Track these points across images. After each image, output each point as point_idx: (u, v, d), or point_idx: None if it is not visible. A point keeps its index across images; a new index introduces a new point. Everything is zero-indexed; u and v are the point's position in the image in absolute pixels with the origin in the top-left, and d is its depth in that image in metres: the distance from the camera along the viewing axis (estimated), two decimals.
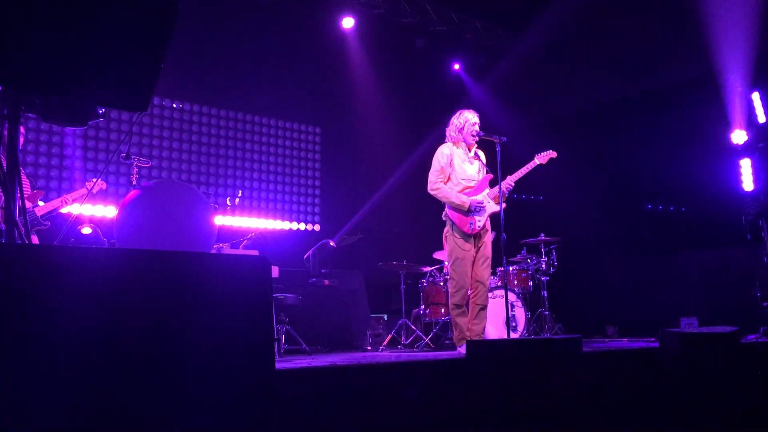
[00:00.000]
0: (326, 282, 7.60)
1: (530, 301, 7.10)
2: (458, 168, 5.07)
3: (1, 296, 1.76)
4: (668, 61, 7.93)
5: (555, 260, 7.18)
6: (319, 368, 3.01)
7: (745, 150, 6.59)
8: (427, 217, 8.27)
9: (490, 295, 6.62)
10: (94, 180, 5.44)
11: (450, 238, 5.02)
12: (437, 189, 5.05)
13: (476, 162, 5.18)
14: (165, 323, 1.90)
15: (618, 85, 8.65)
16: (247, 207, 8.58)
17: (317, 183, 9.57)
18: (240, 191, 6.16)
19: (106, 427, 1.81)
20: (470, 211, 4.95)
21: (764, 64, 7.56)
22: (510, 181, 5.13)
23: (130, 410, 1.84)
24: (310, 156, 9.56)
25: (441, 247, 7.01)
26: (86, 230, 5.66)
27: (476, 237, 4.98)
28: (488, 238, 5.06)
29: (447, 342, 6.78)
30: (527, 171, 5.28)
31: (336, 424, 2.76)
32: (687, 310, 6.87)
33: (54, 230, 5.28)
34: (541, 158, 5.37)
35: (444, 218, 5.13)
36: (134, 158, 4.83)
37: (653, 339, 5.67)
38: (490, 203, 5.05)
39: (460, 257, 4.90)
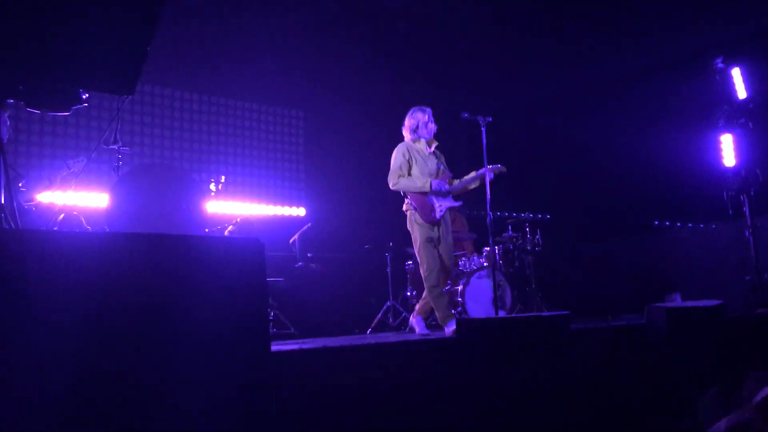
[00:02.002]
0: (313, 266, 7.61)
1: (517, 281, 7.15)
2: (420, 163, 5.20)
3: None
4: (648, 39, 7.96)
5: (540, 239, 7.23)
6: (312, 350, 3.02)
7: (726, 126, 6.65)
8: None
9: (476, 275, 6.69)
10: (76, 161, 5.35)
11: (414, 225, 5.14)
12: (397, 183, 5.19)
13: (434, 158, 5.31)
14: (160, 306, 1.89)
15: (598, 65, 8.68)
16: (231, 192, 8.53)
17: (301, 167, 9.54)
18: (223, 176, 6.11)
19: (103, 409, 1.81)
20: (432, 192, 5.09)
21: (744, 39, 7.63)
22: (459, 184, 5.31)
23: (126, 392, 1.84)
24: (293, 140, 9.52)
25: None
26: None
27: (438, 224, 5.11)
28: (449, 224, 5.20)
29: (434, 324, 6.82)
30: (473, 180, 5.39)
31: (329, 405, 2.78)
32: (672, 287, 6.95)
33: (36, 219, 5.21)
34: (495, 169, 5.37)
35: (405, 209, 5.25)
36: (119, 144, 4.77)
37: (639, 316, 5.74)
38: (448, 198, 5.18)
39: (426, 241, 5.04)
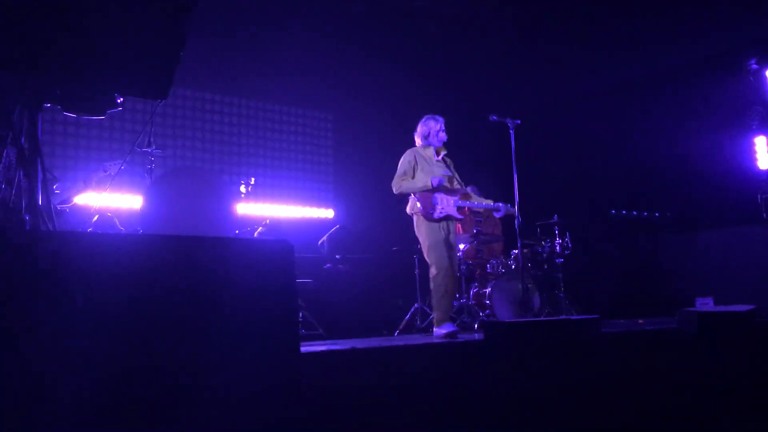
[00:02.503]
0: (341, 267, 7.64)
1: (545, 284, 7.10)
2: (426, 170, 5.33)
3: (29, 283, 1.79)
4: (679, 38, 7.86)
5: (569, 242, 7.16)
6: (340, 351, 3.05)
7: (760, 127, 6.54)
8: None
9: (504, 277, 6.68)
10: (112, 163, 5.47)
11: (421, 226, 5.26)
12: (399, 186, 5.33)
13: (443, 165, 5.42)
14: (191, 307, 1.92)
15: (627, 65, 8.58)
16: (261, 194, 8.60)
17: (330, 169, 9.59)
18: (253, 178, 6.18)
19: (137, 408, 1.84)
20: (435, 189, 5.20)
21: None
22: (472, 201, 5.46)
23: (159, 391, 1.88)
24: (322, 142, 9.58)
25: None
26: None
27: (443, 225, 5.22)
28: (453, 229, 5.31)
29: (466, 320, 6.83)
30: (484, 206, 5.57)
31: (357, 406, 2.80)
32: (703, 289, 6.85)
33: (71, 221, 5.33)
34: (509, 210, 5.54)
35: (409, 211, 5.38)
36: (153, 148, 4.86)
37: (670, 319, 5.67)
38: (452, 207, 5.26)
39: (434, 241, 5.14)
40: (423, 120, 5.51)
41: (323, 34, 7.65)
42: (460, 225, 7.54)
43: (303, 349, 2.69)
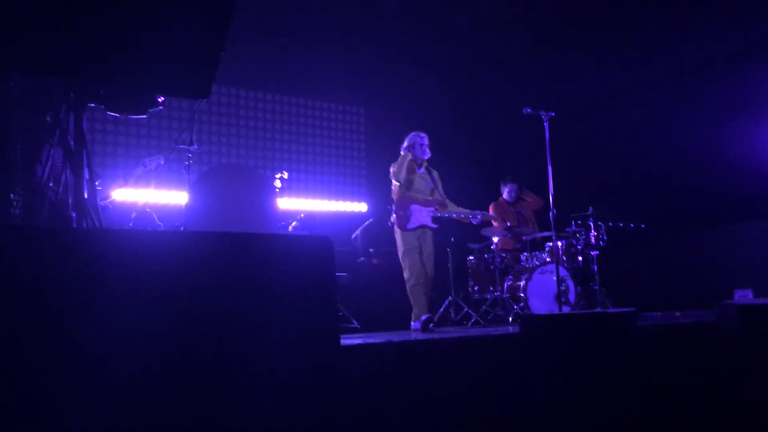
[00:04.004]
0: (374, 261, 7.69)
1: (580, 277, 7.05)
2: (415, 179, 5.94)
3: (74, 280, 1.85)
4: (721, 27, 7.70)
5: (605, 234, 7.09)
6: (375, 344, 3.08)
7: None
8: (474, 194, 8.27)
9: (538, 270, 6.65)
10: (151, 159, 5.60)
11: (396, 234, 5.84)
12: (393, 173, 5.93)
13: (426, 177, 6.03)
14: (235, 303, 1.97)
15: (668, 56, 8.44)
16: (294, 188, 8.69)
17: (363, 163, 9.63)
18: (286, 173, 6.25)
19: (180, 403, 1.90)
20: (412, 201, 5.81)
21: None
22: (448, 211, 6.01)
23: (202, 387, 1.93)
24: (355, 136, 9.62)
25: (487, 225, 7.09)
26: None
27: (417, 234, 5.77)
28: (429, 236, 5.85)
29: (500, 314, 6.85)
30: (462, 214, 6.08)
31: (394, 399, 2.83)
32: (742, 282, 6.74)
33: (112, 216, 5.45)
34: (487, 216, 6.34)
35: (391, 222, 5.94)
36: (195, 146, 4.96)
37: (708, 312, 5.59)
38: (427, 217, 5.83)
39: (407, 249, 5.73)
40: (409, 136, 6.04)
41: (355, 30, 7.68)
42: (501, 217, 7.51)
43: (342, 341, 2.73)
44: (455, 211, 6.04)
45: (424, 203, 5.86)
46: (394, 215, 5.84)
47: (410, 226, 5.76)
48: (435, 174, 6.11)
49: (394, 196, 5.95)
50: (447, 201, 6.06)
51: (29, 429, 1.71)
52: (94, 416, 1.79)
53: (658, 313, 6.37)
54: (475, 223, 6.15)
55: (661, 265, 8.27)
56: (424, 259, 5.76)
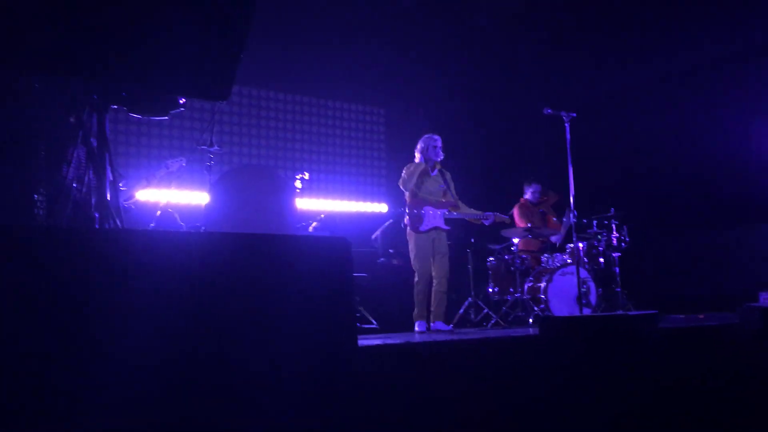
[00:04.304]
0: (395, 261, 7.68)
1: (602, 278, 6.99)
2: (425, 182, 5.97)
3: (96, 280, 1.87)
4: (742, 21, 7.59)
5: (626, 236, 7.02)
6: (394, 345, 3.08)
7: None
8: (495, 195, 8.24)
9: (559, 272, 6.61)
10: (173, 161, 5.67)
11: (410, 237, 5.91)
12: (402, 180, 5.99)
13: (439, 179, 6.05)
14: (253, 303, 1.99)
15: (687, 51, 8.33)
16: (315, 189, 8.72)
17: (383, 163, 9.64)
18: (306, 173, 6.28)
19: (198, 402, 1.92)
20: (424, 203, 5.87)
21: None
22: (460, 212, 6.08)
23: (220, 386, 1.95)
24: (375, 137, 9.63)
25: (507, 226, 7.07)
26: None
27: (430, 235, 5.83)
28: (442, 237, 5.90)
29: (520, 315, 6.82)
30: (473, 216, 6.14)
31: (413, 399, 2.83)
32: (766, 284, 6.63)
33: (135, 217, 5.52)
34: (498, 217, 6.25)
35: (404, 224, 6.05)
36: (215, 147, 5.01)
37: (731, 314, 5.52)
38: (440, 219, 5.88)
39: (419, 253, 5.80)
40: (422, 138, 6.08)
41: (375, 30, 7.68)
42: (525, 217, 7.48)
43: (358, 342, 2.73)
44: (467, 212, 6.09)
45: (437, 205, 5.91)
46: (407, 217, 5.91)
47: (423, 228, 5.82)
48: (448, 176, 6.15)
49: (407, 199, 6.02)
50: (459, 203, 6.11)
51: (50, 425, 1.73)
52: (116, 413, 1.82)
53: (682, 316, 6.30)
54: (486, 224, 6.18)
55: (685, 267, 8.16)
56: (436, 260, 5.82)
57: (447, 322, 5.95)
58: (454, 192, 6.09)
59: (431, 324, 5.79)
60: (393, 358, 2.85)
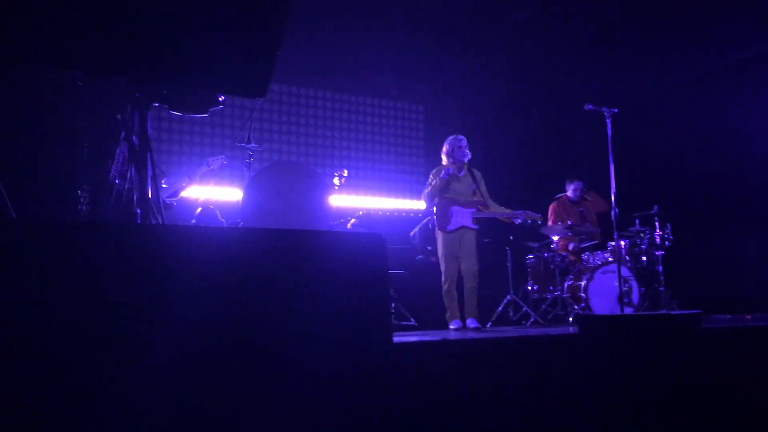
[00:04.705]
0: (433, 259, 7.66)
1: (644, 277, 6.86)
2: (451, 185, 5.96)
3: (137, 274, 1.91)
4: None
5: (670, 234, 6.87)
6: (431, 342, 3.08)
7: None
8: (534, 193, 8.15)
9: (600, 270, 6.51)
10: (214, 159, 5.76)
11: (438, 238, 5.93)
12: (425, 192, 6.02)
13: (467, 179, 6.05)
14: (288, 299, 2.01)
15: (734, 48, 8.11)
16: (353, 186, 8.75)
17: (421, 161, 9.63)
18: (345, 171, 6.33)
19: (234, 394, 1.94)
20: (452, 202, 5.88)
21: None
22: (490, 211, 6.01)
23: (257, 380, 1.97)
24: (413, 134, 9.63)
25: (546, 223, 7.00)
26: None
27: (458, 236, 5.84)
28: (470, 236, 5.87)
29: (559, 314, 6.75)
30: (503, 215, 6.05)
31: (451, 397, 2.82)
32: None
33: (176, 213, 5.62)
34: (529, 216, 6.08)
35: (431, 226, 6.11)
36: (252, 144, 5.07)
37: None
38: (466, 218, 5.87)
39: (446, 253, 5.83)
40: (447, 140, 6.10)
41: (413, 27, 7.66)
42: (564, 215, 7.39)
43: (395, 339, 2.74)
44: (498, 211, 6.04)
45: (465, 204, 5.90)
46: (435, 217, 5.94)
47: (450, 227, 5.84)
48: (478, 174, 6.15)
49: (426, 197, 6.07)
50: (490, 201, 6.07)
51: (95, 418, 1.78)
52: (156, 406, 1.85)
53: (727, 316, 6.15)
54: (517, 223, 6.11)
55: (731, 265, 7.96)
56: (464, 260, 5.83)
57: (482, 319, 5.92)
58: (484, 191, 6.09)
59: (466, 321, 5.81)
60: (429, 355, 2.84)
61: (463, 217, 5.87)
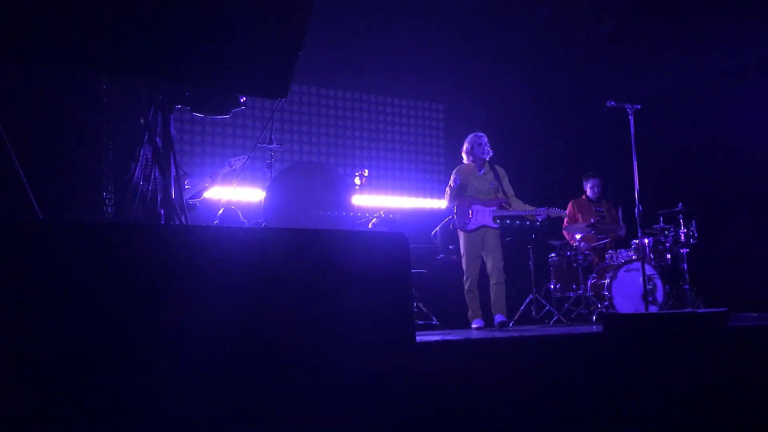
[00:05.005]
0: (454, 258, 7.64)
1: (669, 275, 6.78)
2: (470, 184, 5.95)
3: (162, 274, 1.92)
4: None
5: (695, 231, 6.78)
6: (454, 341, 3.07)
7: None
8: (556, 191, 8.10)
9: (624, 268, 6.45)
10: (236, 159, 5.80)
11: (460, 237, 5.90)
12: (446, 192, 6.04)
13: (489, 177, 6.01)
14: (311, 298, 2.01)
15: (750, 48, 7.98)
16: (374, 185, 8.75)
17: (442, 160, 9.60)
18: (366, 170, 6.32)
19: (257, 397, 1.95)
20: (472, 201, 5.85)
21: None
22: (512, 209, 5.95)
23: (278, 378, 1.98)
24: (434, 133, 9.61)
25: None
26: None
27: (480, 235, 5.80)
28: (493, 235, 5.83)
29: (583, 312, 6.70)
30: (527, 213, 5.97)
31: (474, 396, 2.81)
32: None
33: (199, 214, 5.66)
34: (551, 212, 5.94)
35: (451, 226, 6.12)
36: (274, 144, 5.09)
37: None
38: (487, 217, 5.82)
39: (467, 252, 5.81)
40: (468, 137, 6.09)
41: (433, 26, 7.64)
42: (580, 215, 7.35)
43: (417, 338, 2.74)
44: (520, 208, 5.97)
45: (486, 203, 5.87)
46: (455, 216, 5.91)
47: (470, 227, 5.81)
48: (501, 171, 6.10)
49: (446, 197, 6.08)
50: (513, 199, 6.01)
51: (111, 421, 1.79)
52: (178, 406, 1.87)
53: (754, 314, 6.06)
54: (540, 219, 6.05)
55: (756, 263, 7.83)
56: (488, 258, 5.80)
57: (507, 316, 5.87)
58: (508, 188, 6.04)
59: (494, 317, 5.76)
60: (452, 355, 2.84)
61: (483, 216, 5.83)
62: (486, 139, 6.02)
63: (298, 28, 2.25)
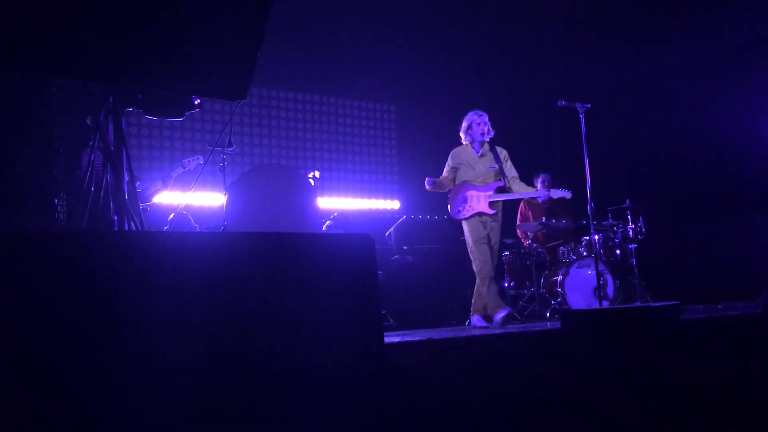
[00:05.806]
0: (409, 258, 7.66)
1: (618, 270, 6.94)
2: (464, 168, 5.57)
3: (117, 282, 1.86)
4: (757, 16, 7.50)
5: (643, 227, 6.96)
6: (415, 342, 3.06)
7: None
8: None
9: (576, 265, 6.57)
10: (190, 159, 5.66)
11: (464, 224, 5.50)
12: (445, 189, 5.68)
13: (488, 159, 5.57)
14: (278, 303, 1.97)
15: (707, 38, 8.23)
16: (327, 187, 8.71)
17: (394, 160, 9.62)
18: (317, 171, 6.25)
19: (219, 403, 1.90)
20: (465, 186, 5.48)
21: None
22: (510, 194, 5.56)
23: (243, 386, 1.93)
24: (386, 134, 9.61)
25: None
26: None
27: (482, 221, 5.40)
28: (496, 226, 5.48)
29: (536, 309, 6.78)
30: (528, 196, 5.87)
31: (434, 397, 2.81)
32: None
33: (150, 219, 5.52)
34: (553, 193, 5.58)
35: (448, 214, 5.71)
36: (233, 147, 4.99)
37: (752, 303, 5.46)
38: (483, 203, 5.40)
39: (476, 239, 5.37)
40: (467, 115, 5.65)
41: (384, 27, 7.64)
42: (530, 212, 7.45)
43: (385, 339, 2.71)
44: (519, 191, 5.57)
45: (481, 188, 5.44)
46: (449, 205, 5.53)
47: (464, 214, 5.41)
48: (502, 153, 5.64)
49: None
50: (514, 181, 5.56)
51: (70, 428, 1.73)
52: (138, 414, 1.81)
53: (701, 306, 6.24)
54: (540, 200, 5.89)
55: (702, 257, 8.09)
56: (492, 248, 5.44)
57: (461, 318, 5.85)
58: (510, 171, 5.59)
59: (493, 317, 5.29)
60: (415, 356, 2.83)
61: (478, 202, 5.39)
62: (487, 117, 5.58)
63: (257, 28, 2.20)
